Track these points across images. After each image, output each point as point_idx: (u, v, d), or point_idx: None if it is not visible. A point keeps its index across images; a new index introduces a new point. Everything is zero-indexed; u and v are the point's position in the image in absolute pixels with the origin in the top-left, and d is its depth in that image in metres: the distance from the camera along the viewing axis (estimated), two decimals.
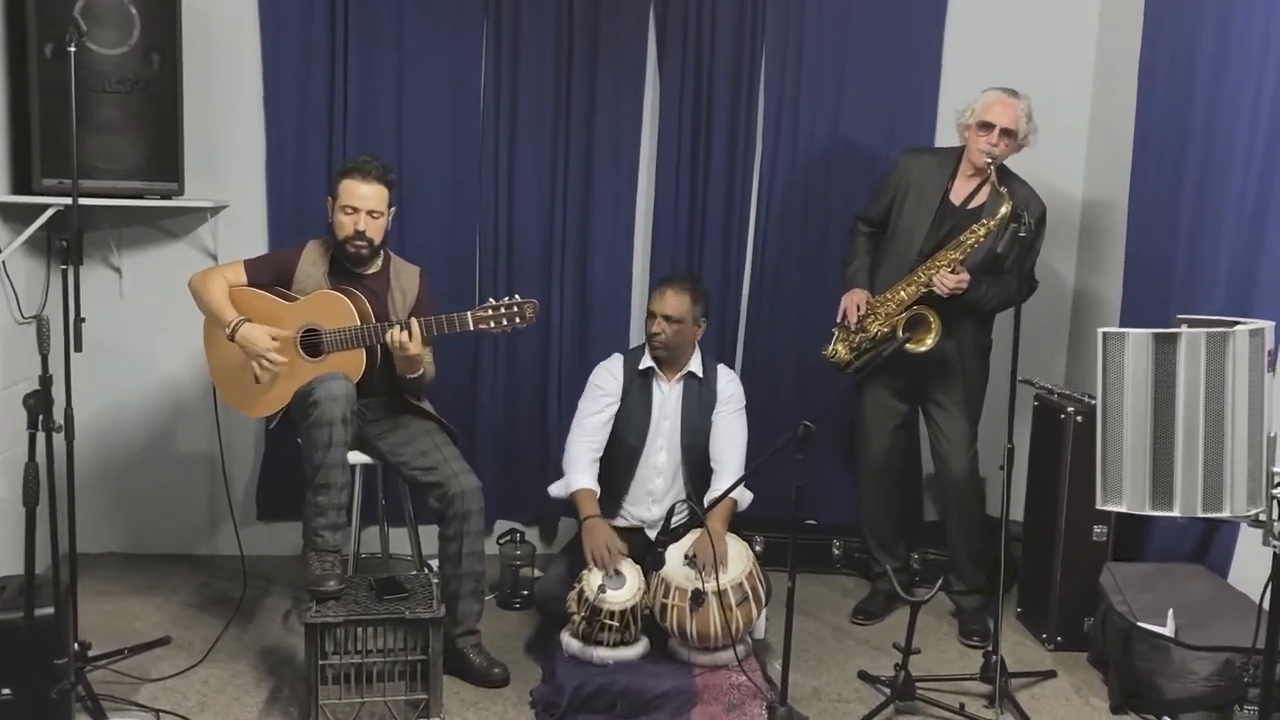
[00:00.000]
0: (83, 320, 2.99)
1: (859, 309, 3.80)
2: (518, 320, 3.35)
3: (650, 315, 3.75)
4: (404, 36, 4.21)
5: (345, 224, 3.45)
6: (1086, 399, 3.77)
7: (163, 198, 3.93)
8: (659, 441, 3.80)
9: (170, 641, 3.61)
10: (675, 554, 3.49)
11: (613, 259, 4.45)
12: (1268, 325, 2.36)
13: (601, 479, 3.75)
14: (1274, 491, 2.30)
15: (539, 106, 4.32)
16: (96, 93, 3.75)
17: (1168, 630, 3.19)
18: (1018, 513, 4.01)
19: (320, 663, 3.04)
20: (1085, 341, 4.49)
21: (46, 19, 3.66)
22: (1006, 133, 3.64)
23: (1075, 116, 4.54)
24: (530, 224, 4.39)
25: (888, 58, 4.41)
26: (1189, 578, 3.47)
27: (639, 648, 3.43)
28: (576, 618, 3.39)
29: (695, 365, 3.80)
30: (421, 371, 3.49)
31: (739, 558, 3.51)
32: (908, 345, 3.64)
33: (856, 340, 3.83)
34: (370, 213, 3.44)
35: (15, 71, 3.75)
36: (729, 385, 3.83)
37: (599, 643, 3.37)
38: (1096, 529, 3.71)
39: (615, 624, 3.35)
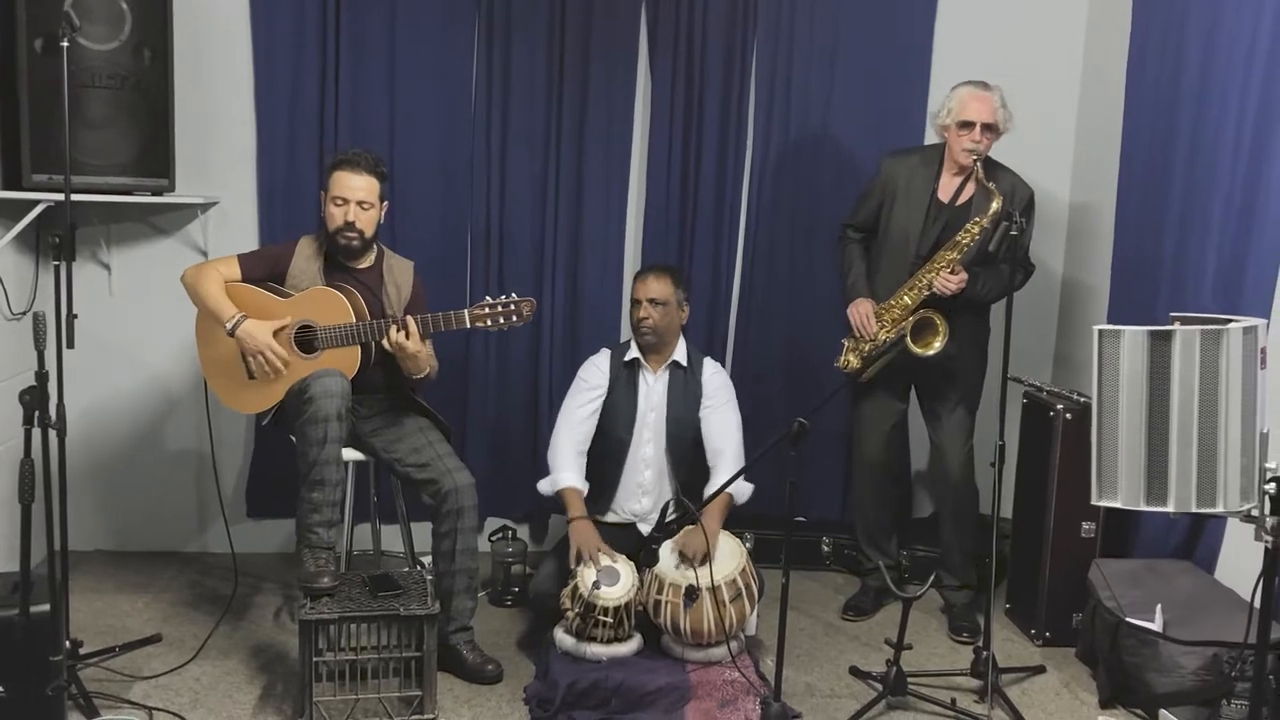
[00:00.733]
0: (75, 316, 2.98)
1: (869, 320, 3.81)
2: (515, 319, 3.36)
3: (635, 303, 3.77)
4: (395, 32, 4.20)
5: (335, 215, 3.45)
6: (1075, 397, 3.80)
7: (153, 194, 3.92)
8: (646, 434, 3.81)
9: (161, 639, 3.59)
10: (669, 550, 3.50)
11: (604, 255, 4.46)
12: (1261, 323, 2.38)
13: (591, 473, 3.77)
14: (1266, 487, 2.32)
15: (530, 101, 4.32)
16: (87, 88, 3.72)
17: (1156, 625, 3.22)
18: (1006, 509, 4.03)
19: (314, 659, 3.03)
20: (1074, 339, 4.52)
21: (37, 13, 3.63)
22: (987, 127, 3.66)
23: (1064, 115, 4.57)
24: (521, 220, 4.39)
25: (878, 54, 4.43)
26: (1177, 573, 3.50)
27: (633, 644, 3.44)
28: (570, 614, 3.39)
29: (680, 355, 3.82)
30: (426, 371, 3.49)
31: (732, 554, 3.53)
32: (914, 348, 3.66)
33: (867, 349, 3.85)
34: (360, 204, 3.44)
35: (5, 67, 3.71)
36: (714, 377, 3.84)
37: (593, 639, 3.37)
38: (1085, 525, 3.74)
39: (609, 620, 3.35)
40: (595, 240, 4.44)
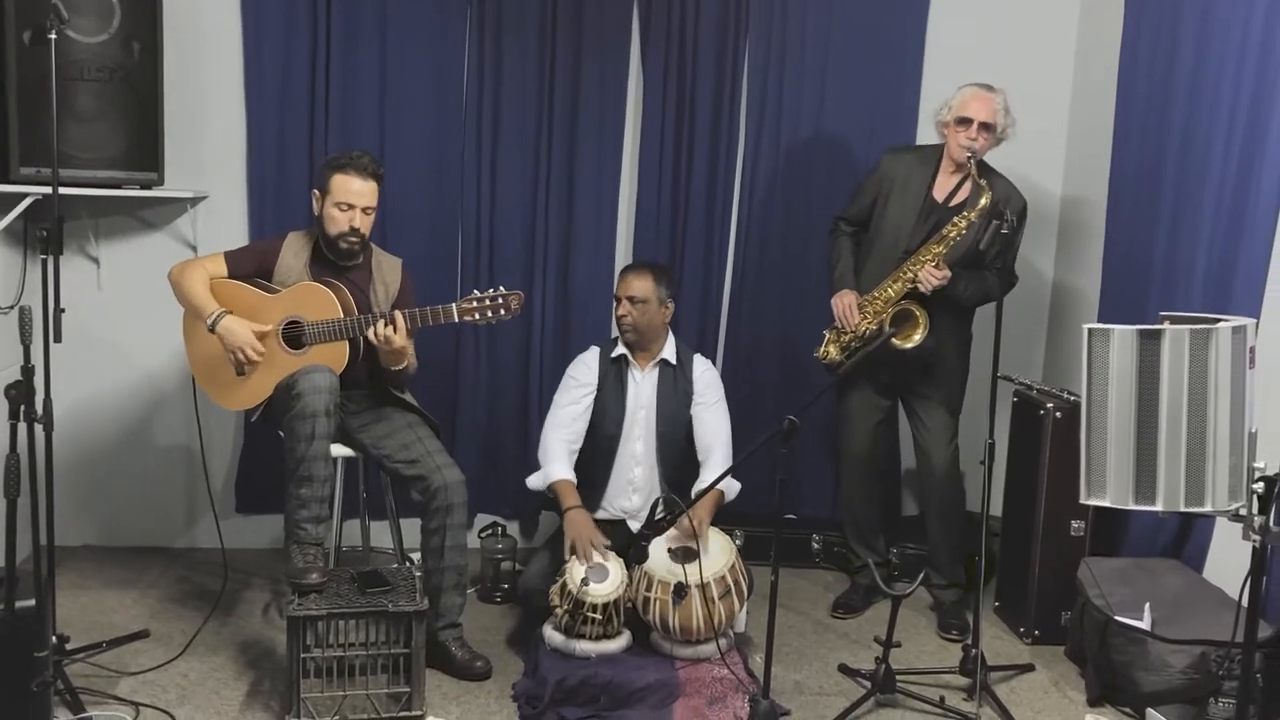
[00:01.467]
0: (62, 310, 2.97)
1: (851, 311, 3.81)
2: (503, 312, 3.34)
3: (616, 301, 3.77)
4: (386, 27, 4.19)
5: (340, 220, 3.43)
6: (1065, 395, 3.81)
7: (142, 188, 3.90)
8: (636, 430, 3.81)
9: (149, 635, 3.58)
10: (658, 547, 3.49)
11: (595, 252, 4.45)
12: (1250, 322, 2.38)
13: (582, 470, 3.76)
14: (1255, 486, 2.33)
15: (522, 98, 4.31)
16: (75, 81, 3.70)
17: (1144, 624, 3.23)
18: (996, 508, 4.03)
19: (302, 656, 3.03)
20: (1064, 338, 4.53)
21: (25, 6, 3.61)
22: (985, 127, 3.67)
23: (1055, 113, 4.57)
24: (512, 217, 4.37)
25: (870, 52, 4.43)
26: (1165, 572, 3.51)
27: (621, 641, 3.44)
28: (559, 611, 3.39)
29: (669, 352, 3.81)
30: (405, 363, 3.48)
31: (722, 551, 3.53)
32: (895, 341, 3.66)
33: (847, 340, 3.85)
34: (365, 209, 3.44)
35: None
36: (705, 375, 3.84)
37: (581, 636, 3.37)
38: (1074, 524, 3.74)
39: (598, 617, 3.35)
40: (586, 237, 4.43)
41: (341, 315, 3.37)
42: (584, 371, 3.82)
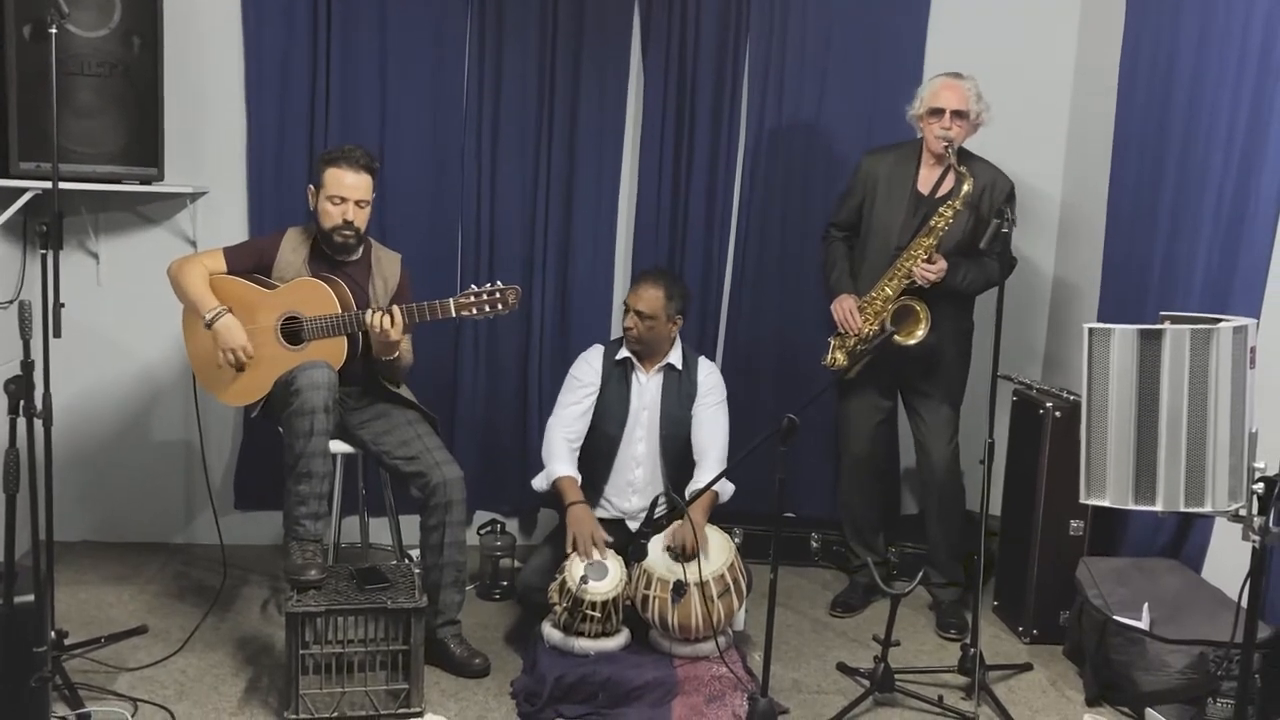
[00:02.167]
0: (62, 305, 2.96)
1: (853, 315, 3.81)
2: (500, 307, 3.34)
3: (625, 309, 3.76)
4: (387, 25, 4.18)
5: (333, 214, 3.43)
6: (1065, 394, 3.81)
7: (142, 183, 3.90)
8: (638, 432, 3.81)
9: (147, 630, 3.58)
10: (657, 545, 3.49)
11: (595, 251, 4.44)
12: (1251, 322, 2.38)
13: (582, 469, 3.76)
14: (1254, 487, 2.33)
15: (522, 97, 4.31)
16: (75, 76, 3.70)
17: (1143, 624, 3.23)
18: (995, 507, 4.03)
19: (300, 652, 3.03)
20: (1064, 337, 4.52)
21: (26, 0, 3.60)
22: (958, 114, 3.66)
23: (1055, 114, 4.57)
24: (512, 215, 4.37)
25: (871, 52, 4.42)
26: (1164, 572, 3.51)
27: (620, 639, 3.43)
28: (558, 608, 3.39)
29: (674, 357, 3.81)
30: (397, 355, 3.48)
31: (720, 549, 3.52)
32: (898, 338, 3.65)
33: (852, 344, 3.84)
34: (358, 202, 3.43)
35: None
36: (709, 377, 3.84)
37: (580, 633, 3.37)
38: (1073, 524, 3.74)
39: (597, 614, 3.35)
40: (586, 237, 4.43)
41: (340, 311, 3.37)
42: (586, 371, 3.82)
